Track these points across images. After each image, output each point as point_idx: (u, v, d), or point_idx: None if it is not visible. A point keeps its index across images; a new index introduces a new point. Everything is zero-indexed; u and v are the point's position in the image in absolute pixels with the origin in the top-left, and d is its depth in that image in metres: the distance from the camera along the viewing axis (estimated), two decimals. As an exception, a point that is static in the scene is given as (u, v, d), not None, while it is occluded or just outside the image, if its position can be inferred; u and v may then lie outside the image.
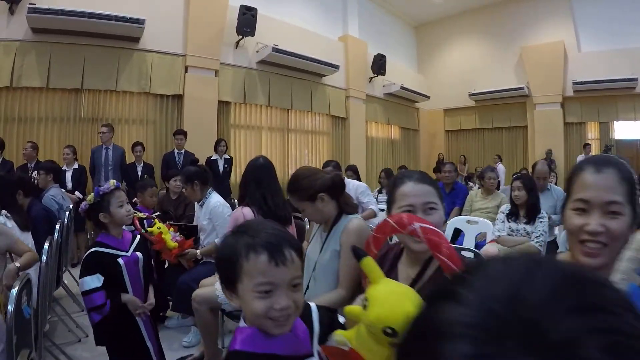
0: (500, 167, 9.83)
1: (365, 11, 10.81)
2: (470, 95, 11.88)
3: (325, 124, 9.52)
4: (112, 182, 2.16)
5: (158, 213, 3.79)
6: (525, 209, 3.53)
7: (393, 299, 0.90)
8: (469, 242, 3.93)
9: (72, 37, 6.27)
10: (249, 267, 0.87)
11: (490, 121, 12.12)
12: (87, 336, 3.32)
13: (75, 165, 5.66)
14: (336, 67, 8.84)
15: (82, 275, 1.98)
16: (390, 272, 1.33)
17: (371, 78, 10.45)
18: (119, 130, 6.48)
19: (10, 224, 2.72)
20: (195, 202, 3.44)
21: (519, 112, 11.47)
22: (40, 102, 6.31)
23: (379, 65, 10.23)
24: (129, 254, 2.11)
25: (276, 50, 7.69)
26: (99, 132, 5.92)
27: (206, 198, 3.29)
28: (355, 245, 1.09)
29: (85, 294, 1.96)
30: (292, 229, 2.63)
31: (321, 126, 9.47)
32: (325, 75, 9.09)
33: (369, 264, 0.98)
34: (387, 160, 11.09)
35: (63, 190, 5.23)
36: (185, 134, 6.36)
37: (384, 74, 10.41)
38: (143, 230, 3.07)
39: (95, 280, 1.95)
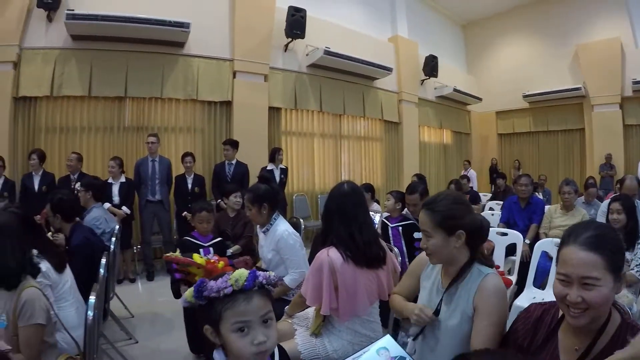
0: (472, 173, 9.29)
1: (413, 10, 10.24)
2: (524, 96, 11.09)
3: (378, 129, 8.99)
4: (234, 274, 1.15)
5: (215, 240, 3.26)
6: (624, 234, 3.01)
7: None
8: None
9: (114, 44, 6.01)
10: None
11: (545, 124, 11.32)
12: None
13: (122, 179, 5.27)
14: (389, 69, 8.32)
15: None
16: (549, 340, 1.24)
17: (423, 80, 9.82)
18: (164, 139, 6.16)
19: (45, 266, 2.23)
20: (258, 226, 2.92)
21: (575, 114, 10.67)
22: (82, 111, 6.07)
23: (431, 66, 9.62)
24: None
25: (328, 52, 7.22)
26: (146, 142, 5.56)
27: (271, 224, 2.77)
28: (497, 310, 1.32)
29: None
30: (387, 269, 2.12)
31: (374, 132, 8.94)
32: (377, 79, 8.56)
33: None
34: (439, 166, 10.42)
35: (109, 205, 4.91)
36: (233, 143, 5.91)
37: (436, 76, 9.79)
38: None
39: None
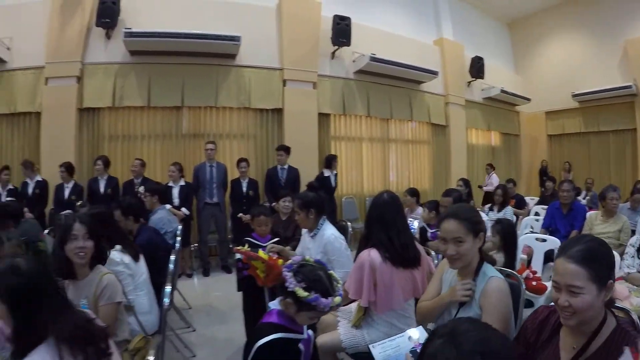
0: (494, 178, 8.67)
1: (457, 11, 10.06)
2: (574, 95, 10.62)
3: (425, 132, 8.92)
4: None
5: (274, 240, 3.42)
6: None
7: None
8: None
9: (170, 57, 6.35)
10: None
11: (595, 124, 10.73)
12: (195, 356, 3.30)
13: (182, 182, 5.63)
14: (435, 73, 8.25)
15: None
16: (551, 339, 1.40)
17: (469, 82, 9.65)
18: (219, 145, 6.40)
19: (127, 258, 2.62)
20: (305, 230, 3.16)
21: (626, 113, 10.05)
22: (142, 120, 6.47)
23: (477, 68, 9.44)
24: (305, 335, 1.69)
25: (374, 59, 7.28)
26: (205, 149, 5.87)
27: (318, 229, 3.01)
28: (497, 311, 1.61)
29: None
30: (423, 270, 2.35)
31: (421, 135, 8.88)
32: (424, 82, 8.51)
33: None
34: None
35: (169, 206, 5.17)
36: (286, 149, 6.11)
37: (482, 77, 9.58)
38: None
39: None
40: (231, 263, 5.79)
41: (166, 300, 2.31)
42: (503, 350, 0.92)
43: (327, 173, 6.49)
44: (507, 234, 3.18)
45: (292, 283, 1.58)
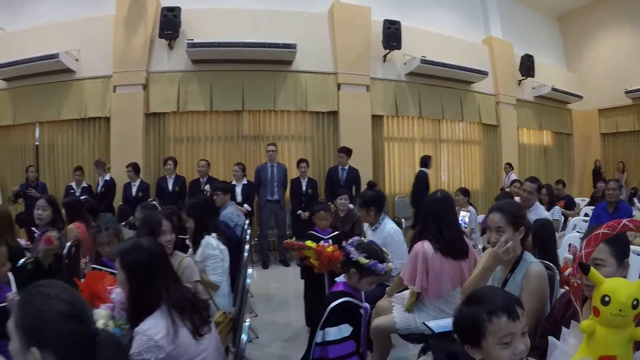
0: (513, 177, 8.28)
1: (505, 8, 9.84)
2: (627, 92, 10.17)
3: (476, 132, 8.84)
4: None
5: (334, 234, 3.70)
6: None
7: (628, 282, 1.26)
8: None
9: (230, 65, 6.69)
10: (493, 328, 1.13)
11: (651, 122, 10.26)
12: (257, 337, 3.52)
13: (244, 181, 6.00)
14: (484, 73, 8.19)
15: (328, 325, 1.95)
16: (575, 314, 1.48)
17: (520, 81, 9.47)
18: (278, 146, 6.58)
19: (221, 245, 2.96)
20: (367, 225, 3.49)
21: None
22: (205, 124, 6.88)
23: (527, 66, 9.24)
24: (364, 304, 2.09)
25: (424, 61, 7.36)
26: (266, 151, 6.17)
27: (379, 223, 3.34)
28: (536, 292, 1.82)
29: (331, 343, 1.93)
30: (470, 262, 2.55)
31: (472, 135, 8.82)
32: (474, 82, 8.43)
33: (594, 273, 1.27)
34: (539, 169, 9.93)
35: (233, 203, 5.40)
36: (347, 151, 6.31)
37: (533, 76, 9.37)
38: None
39: (345, 330, 1.95)
40: (289, 257, 6.10)
41: (248, 281, 2.57)
42: None
43: (426, 170, 7.02)
44: (539, 232, 3.14)
45: (355, 254, 2.01)
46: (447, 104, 8.07)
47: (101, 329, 1.09)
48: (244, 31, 6.54)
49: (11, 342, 1.00)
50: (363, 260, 1.98)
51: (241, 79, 6.65)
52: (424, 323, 2.28)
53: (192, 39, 6.38)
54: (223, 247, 2.97)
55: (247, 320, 1.96)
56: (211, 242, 2.91)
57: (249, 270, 2.69)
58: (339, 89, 6.99)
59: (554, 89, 9.76)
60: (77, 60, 6.94)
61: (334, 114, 7.02)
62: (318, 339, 1.96)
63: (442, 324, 2.14)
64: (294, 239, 3.40)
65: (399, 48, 7.24)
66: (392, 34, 7.14)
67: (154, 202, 4.58)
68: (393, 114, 7.54)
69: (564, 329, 1.34)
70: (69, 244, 3.12)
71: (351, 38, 7.08)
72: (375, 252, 2.05)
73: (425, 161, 7.10)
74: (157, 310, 1.57)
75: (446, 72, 7.76)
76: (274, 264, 6.11)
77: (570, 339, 1.30)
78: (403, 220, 4.60)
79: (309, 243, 3.16)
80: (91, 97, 6.79)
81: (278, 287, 4.96)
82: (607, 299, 1.20)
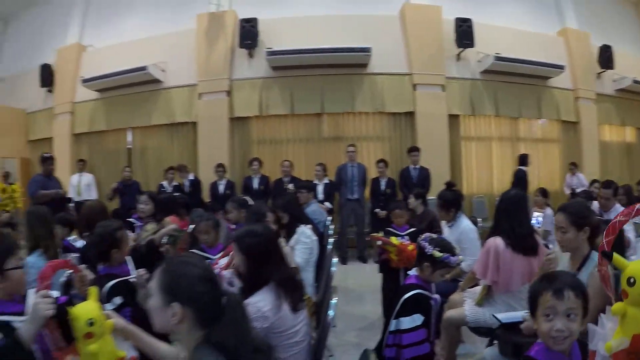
0: (581, 177, 7.71)
1: (578, -4, 9.39)
2: None
3: (555, 130, 8.51)
4: None
5: (410, 230, 3.85)
6: None
7: None
8: None
9: (308, 70, 6.98)
10: (541, 300, 1.34)
11: None
12: (335, 326, 3.75)
13: (326, 180, 6.27)
14: (561, 67, 7.89)
15: (402, 315, 2.12)
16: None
17: (599, 73, 9.00)
18: (357, 147, 6.75)
19: (314, 236, 3.30)
20: (444, 222, 3.63)
21: None
22: (287, 126, 7.24)
23: (605, 57, 8.77)
24: (434, 296, 2.23)
25: (498, 58, 7.24)
26: (346, 151, 6.40)
27: (455, 221, 3.47)
28: (598, 291, 1.69)
29: (404, 332, 2.09)
30: (539, 259, 2.56)
31: (551, 133, 8.51)
32: (551, 77, 8.13)
33: (618, 258, 1.33)
34: (622, 169, 9.39)
35: (315, 200, 5.67)
36: (419, 150, 6.44)
37: (612, 67, 8.87)
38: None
39: (417, 319, 2.10)
40: (367, 254, 6.27)
41: (333, 269, 2.83)
42: None
43: (525, 168, 7.07)
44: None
45: (429, 248, 2.18)
46: (523, 101, 7.86)
47: (229, 292, 1.28)
48: (319, 37, 6.79)
49: (151, 300, 1.22)
50: (437, 253, 2.15)
51: (319, 82, 6.92)
52: (492, 315, 2.43)
53: (271, 48, 6.76)
54: (315, 237, 3.31)
55: (333, 299, 2.15)
56: (306, 231, 3.26)
57: (334, 259, 2.97)
58: (414, 89, 7.05)
59: (635, 81, 9.19)
60: (163, 71, 7.48)
61: (410, 114, 7.09)
62: (392, 327, 2.14)
63: (510, 315, 2.28)
64: (380, 234, 3.63)
65: (472, 46, 7.18)
66: (464, 32, 7.10)
67: (245, 198, 4.94)
68: (469, 113, 7.47)
69: (601, 314, 1.37)
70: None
71: (424, 38, 7.13)
72: (447, 246, 2.22)
73: (524, 159, 7.09)
74: (266, 286, 1.87)
75: (521, 68, 7.57)
76: (352, 260, 6.33)
77: (607, 323, 1.34)
78: (479, 219, 4.64)
79: (393, 239, 3.40)
80: (178, 104, 7.32)
81: (355, 282, 5.14)
82: (632, 280, 1.25)
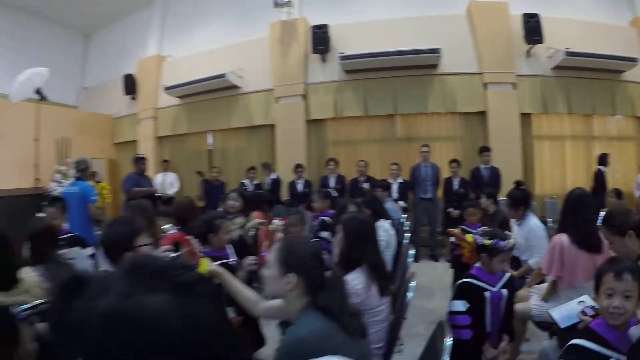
0: None
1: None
2: None
3: (631, 127, 8.19)
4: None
5: (482, 228, 3.84)
6: None
7: None
8: None
9: (380, 72, 7.19)
10: (604, 280, 1.58)
11: None
12: (406, 318, 3.84)
13: (400, 180, 6.50)
14: (634, 60, 7.57)
15: (453, 298, 2.35)
16: None
17: (677, 65, 8.63)
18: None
19: (392, 230, 3.63)
20: (513, 220, 3.73)
21: None
22: (361, 127, 7.53)
23: (683, 48, 8.40)
24: (495, 289, 2.33)
25: (569, 54, 7.08)
26: (420, 151, 6.59)
27: (524, 219, 3.58)
28: None
29: (451, 314, 2.31)
30: (604, 257, 2.59)
31: (627, 130, 8.20)
32: (624, 71, 7.88)
33: None
34: None
35: (390, 199, 5.96)
36: (490, 149, 6.52)
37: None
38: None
39: (460, 305, 2.27)
40: (438, 253, 6.45)
41: (410, 259, 3.11)
42: None
43: (603, 169, 6.97)
44: None
45: (480, 239, 2.37)
46: (597, 98, 7.63)
47: (332, 267, 1.60)
48: (388, 40, 6.97)
49: (267, 270, 1.53)
50: (487, 241, 2.33)
51: (391, 84, 7.13)
52: (547, 312, 2.39)
53: (343, 52, 7.05)
54: (392, 232, 3.61)
55: (412, 281, 2.35)
56: (384, 225, 3.56)
57: (411, 251, 3.22)
58: (485, 88, 7.08)
59: None
60: (241, 77, 7.97)
61: (481, 114, 7.13)
62: (448, 308, 2.38)
63: (566, 313, 2.13)
64: (458, 230, 3.83)
65: (542, 41, 7.07)
66: (532, 28, 7.01)
67: (329, 190, 5.39)
68: (541, 111, 7.36)
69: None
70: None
71: (492, 36, 7.12)
72: (495, 233, 2.37)
73: (603, 159, 6.98)
74: (359, 267, 2.13)
75: (593, 63, 7.35)
76: (424, 259, 6.44)
77: None
78: (549, 220, 4.68)
79: (468, 237, 3.51)
80: (256, 108, 7.80)
81: (426, 279, 5.27)
82: None
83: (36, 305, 1.64)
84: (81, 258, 2.99)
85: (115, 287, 0.57)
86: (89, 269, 2.90)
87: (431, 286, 5.02)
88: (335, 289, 1.49)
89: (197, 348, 0.56)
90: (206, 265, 2.01)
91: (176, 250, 2.18)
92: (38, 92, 7.38)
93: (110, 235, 2.03)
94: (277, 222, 3.52)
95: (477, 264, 2.45)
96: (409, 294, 2.27)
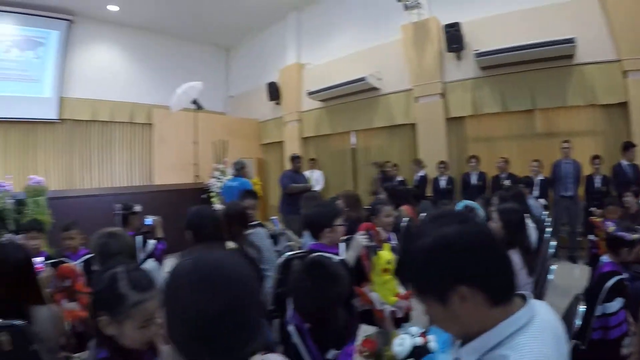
0: None
1: None
2: None
3: None
4: None
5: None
6: None
7: None
8: None
9: (516, 67, 7.30)
10: None
11: None
12: None
13: (541, 177, 6.69)
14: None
15: (607, 301, 2.42)
16: None
17: None
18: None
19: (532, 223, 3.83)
20: None
21: None
22: (500, 124, 7.74)
23: None
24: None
25: None
26: (561, 147, 6.67)
27: None
28: None
29: (614, 314, 2.38)
30: None
31: None
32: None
33: None
34: None
35: (531, 196, 6.22)
36: (634, 145, 6.21)
37: None
38: None
39: (616, 305, 2.38)
40: (577, 255, 6.35)
41: (551, 250, 3.38)
42: None
43: None
44: None
45: (628, 236, 2.53)
46: None
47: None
48: (520, 33, 6.94)
49: None
50: (636, 236, 2.52)
51: (529, 78, 7.19)
52: None
53: (477, 49, 7.31)
54: (532, 225, 3.71)
55: (551, 269, 2.71)
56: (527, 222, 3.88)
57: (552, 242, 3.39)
58: (625, 76, 6.61)
59: None
60: (379, 79, 8.86)
61: (622, 105, 6.68)
62: (598, 312, 2.41)
63: None
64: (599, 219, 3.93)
65: None
66: None
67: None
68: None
69: None
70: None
71: (631, 17, 6.51)
72: (630, 227, 2.58)
73: None
74: (513, 249, 2.53)
75: None
76: (562, 260, 6.26)
77: None
78: None
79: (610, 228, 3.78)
80: (396, 108, 8.65)
81: (562, 279, 4.86)
82: None
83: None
84: (261, 237, 3.35)
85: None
86: (269, 246, 3.39)
87: (567, 286, 4.77)
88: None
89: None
90: (389, 248, 2.73)
91: (369, 235, 2.68)
92: (195, 102, 8.94)
93: (314, 215, 2.48)
94: None
95: (606, 258, 2.63)
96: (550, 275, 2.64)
